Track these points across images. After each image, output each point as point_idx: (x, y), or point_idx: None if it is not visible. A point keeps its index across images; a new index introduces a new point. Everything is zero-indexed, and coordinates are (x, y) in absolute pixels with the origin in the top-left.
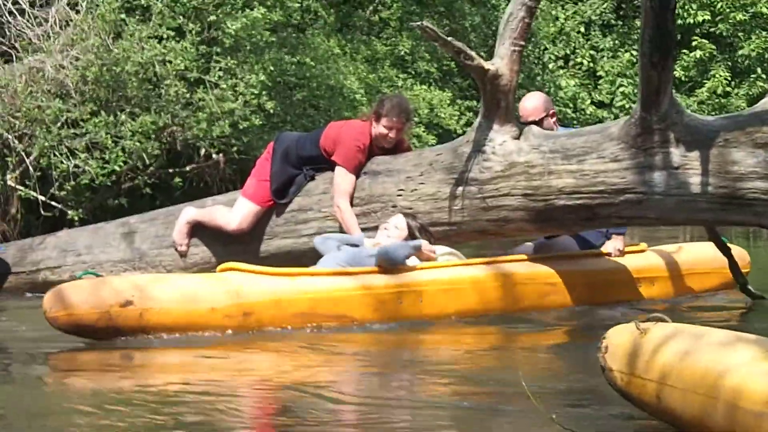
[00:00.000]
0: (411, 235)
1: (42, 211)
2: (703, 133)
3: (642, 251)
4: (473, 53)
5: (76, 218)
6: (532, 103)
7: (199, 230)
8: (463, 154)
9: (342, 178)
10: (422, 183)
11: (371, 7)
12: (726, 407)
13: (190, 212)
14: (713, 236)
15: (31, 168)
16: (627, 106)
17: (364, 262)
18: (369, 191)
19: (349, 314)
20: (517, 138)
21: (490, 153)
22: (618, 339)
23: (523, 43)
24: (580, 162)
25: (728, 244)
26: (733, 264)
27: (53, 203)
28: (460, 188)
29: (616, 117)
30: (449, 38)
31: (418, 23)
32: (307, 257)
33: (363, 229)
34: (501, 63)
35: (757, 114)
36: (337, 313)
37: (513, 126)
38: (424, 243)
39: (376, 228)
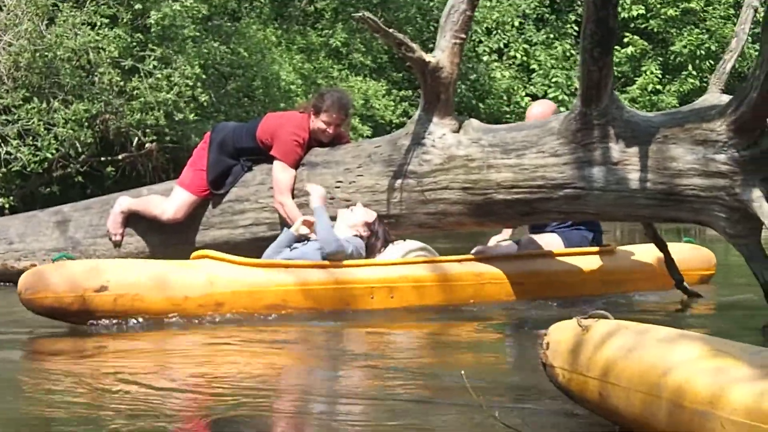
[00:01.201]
0: (373, 235)
1: None
2: (643, 129)
3: (610, 251)
4: (414, 45)
5: (6, 206)
6: (539, 109)
7: (134, 220)
8: (402, 147)
9: (281, 174)
10: (360, 175)
11: None
12: (669, 405)
13: (124, 201)
14: (651, 233)
15: None
16: (560, 98)
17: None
18: (307, 182)
19: (318, 307)
20: (457, 131)
21: (429, 146)
22: (559, 335)
23: (464, 36)
24: (520, 156)
25: (694, 244)
26: (669, 261)
27: None
28: (399, 181)
29: None
30: (390, 30)
31: (359, 14)
32: (243, 248)
33: None
34: (442, 55)
35: (696, 111)
36: (307, 305)
37: (452, 119)
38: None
39: None
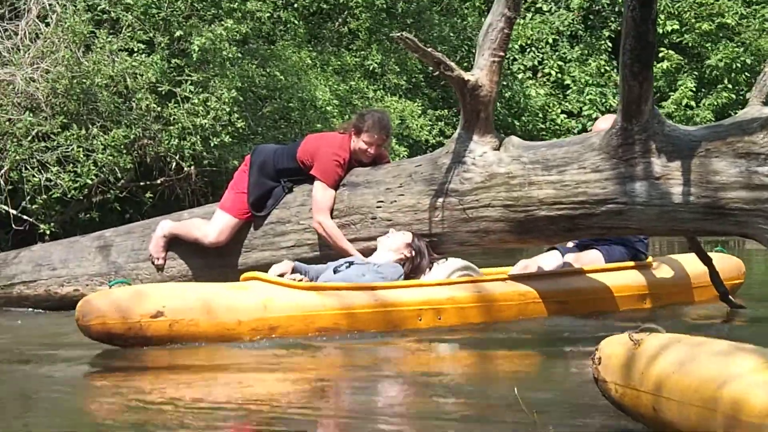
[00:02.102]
0: (418, 254)
1: (13, 225)
2: (684, 143)
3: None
4: (453, 64)
5: (47, 232)
6: (606, 124)
7: (175, 243)
8: (442, 166)
9: (321, 194)
10: (402, 194)
11: (340, 19)
12: (725, 419)
13: (166, 225)
14: (695, 246)
15: (1, 181)
16: (594, 115)
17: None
18: (348, 203)
19: (368, 329)
20: (497, 149)
21: (470, 164)
22: (611, 350)
23: (502, 53)
24: (561, 173)
25: (724, 254)
26: (713, 273)
27: (24, 216)
28: (440, 199)
29: (585, 126)
30: (429, 49)
31: (398, 34)
32: None
33: None
34: (480, 74)
35: (737, 124)
36: (357, 328)
37: (493, 137)
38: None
39: (355, 240)
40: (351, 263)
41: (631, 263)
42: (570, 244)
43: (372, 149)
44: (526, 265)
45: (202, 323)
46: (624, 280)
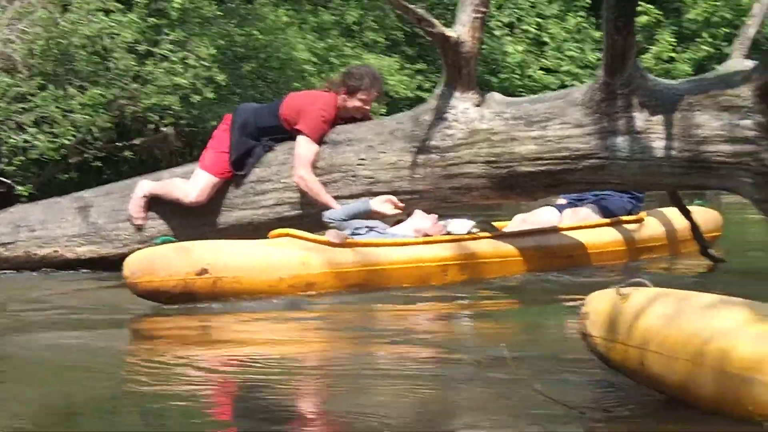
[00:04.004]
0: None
1: None
2: (667, 97)
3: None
4: (435, 20)
5: (25, 193)
6: None
7: (155, 203)
8: (424, 122)
9: (305, 148)
10: (383, 152)
11: None
12: (713, 373)
13: (146, 185)
14: (675, 201)
15: None
16: (574, 71)
17: None
18: (330, 161)
19: (399, 285)
20: (479, 105)
21: (452, 120)
22: (598, 305)
23: (484, 9)
24: (543, 128)
25: (703, 206)
26: (695, 228)
27: (2, 179)
28: (422, 156)
29: (563, 82)
30: (411, 5)
31: None
32: (265, 228)
33: None
34: (463, 30)
35: (720, 77)
36: (390, 284)
37: (475, 93)
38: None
39: (336, 198)
40: (371, 228)
41: (629, 217)
42: (563, 201)
43: (368, 106)
44: (524, 219)
45: (245, 280)
46: (621, 234)
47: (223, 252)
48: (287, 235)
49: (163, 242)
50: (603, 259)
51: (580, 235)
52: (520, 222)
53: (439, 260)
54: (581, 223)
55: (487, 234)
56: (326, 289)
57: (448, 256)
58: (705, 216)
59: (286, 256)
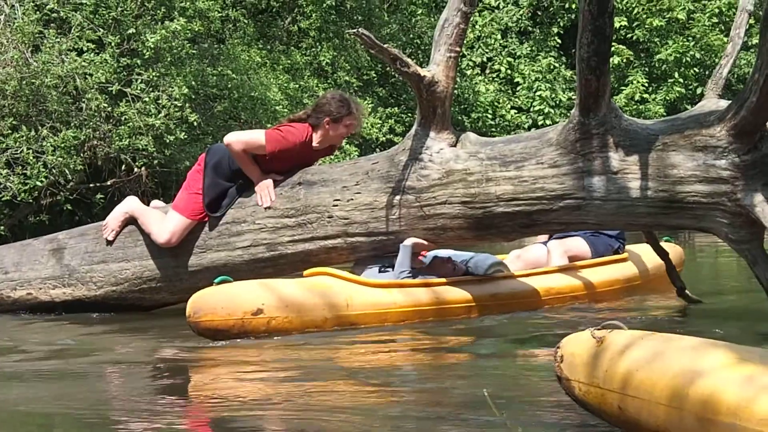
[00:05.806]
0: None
1: None
2: (642, 137)
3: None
4: (409, 60)
5: None
6: None
7: (129, 246)
8: (399, 163)
9: (256, 133)
10: (358, 192)
11: (290, 17)
12: (694, 418)
13: (133, 203)
14: (651, 240)
15: None
16: (546, 110)
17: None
18: (305, 201)
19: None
20: (454, 145)
21: (427, 161)
22: (573, 348)
23: (458, 49)
24: (519, 168)
25: (668, 243)
26: (671, 268)
27: None
28: (398, 197)
29: (535, 121)
30: (385, 45)
31: (355, 30)
32: (241, 270)
33: (298, 241)
34: (437, 69)
35: (695, 117)
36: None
37: (450, 133)
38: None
39: (311, 239)
40: (386, 269)
41: (613, 257)
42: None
43: (353, 131)
44: (518, 255)
45: (295, 320)
46: (612, 273)
47: (277, 292)
48: (326, 274)
49: (222, 281)
50: (597, 297)
51: (567, 278)
52: (514, 258)
53: (464, 301)
54: (568, 263)
55: (515, 273)
56: (366, 326)
57: (470, 297)
58: (669, 251)
59: (332, 297)
